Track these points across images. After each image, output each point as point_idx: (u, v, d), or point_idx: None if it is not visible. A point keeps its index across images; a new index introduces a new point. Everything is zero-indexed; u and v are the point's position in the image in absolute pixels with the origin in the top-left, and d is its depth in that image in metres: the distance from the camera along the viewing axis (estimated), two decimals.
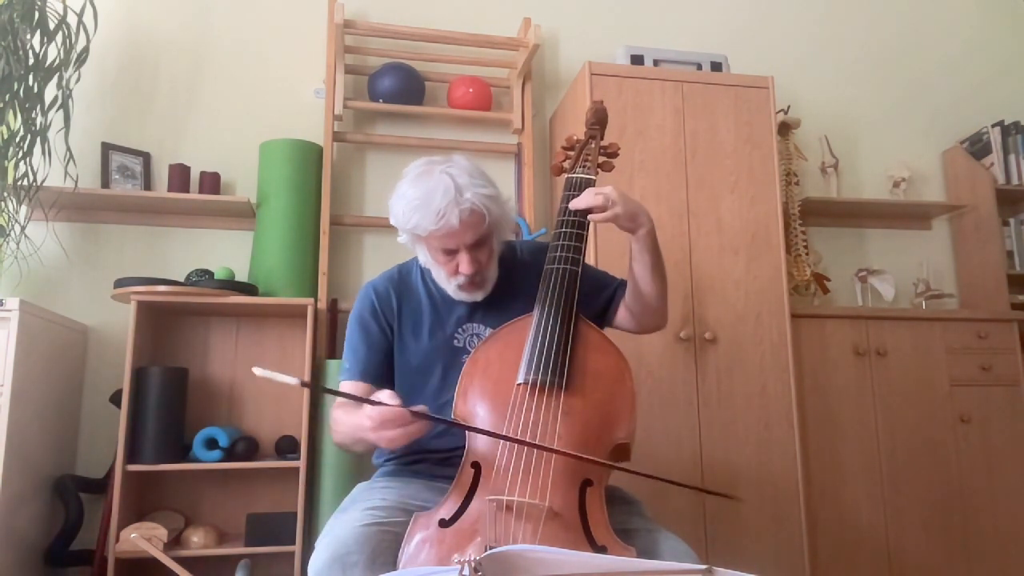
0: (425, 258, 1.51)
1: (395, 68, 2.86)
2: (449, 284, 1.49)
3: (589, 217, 1.44)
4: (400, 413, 1.17)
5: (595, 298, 1.62)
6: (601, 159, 1.61)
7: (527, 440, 1.22)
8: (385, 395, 1.20)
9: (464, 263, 1.44)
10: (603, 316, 1.64)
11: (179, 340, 2.60)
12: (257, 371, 1.03)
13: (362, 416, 1.22)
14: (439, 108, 2.96)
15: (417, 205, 1.39)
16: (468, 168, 1.43)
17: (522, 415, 1.27)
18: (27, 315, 2.15)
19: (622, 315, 1.63)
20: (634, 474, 1.19)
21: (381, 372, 1.52)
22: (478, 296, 1.51)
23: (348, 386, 1.51)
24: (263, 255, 2.61)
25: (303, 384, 1.05)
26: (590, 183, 1.52)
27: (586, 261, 1.49)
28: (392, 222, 1.47)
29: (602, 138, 1.65)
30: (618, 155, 1.65)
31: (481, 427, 1.31)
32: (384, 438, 1.19)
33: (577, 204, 1.43)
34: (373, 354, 1.53)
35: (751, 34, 3.37)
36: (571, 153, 1.62)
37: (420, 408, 1.20)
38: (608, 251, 2.43)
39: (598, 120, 1.67)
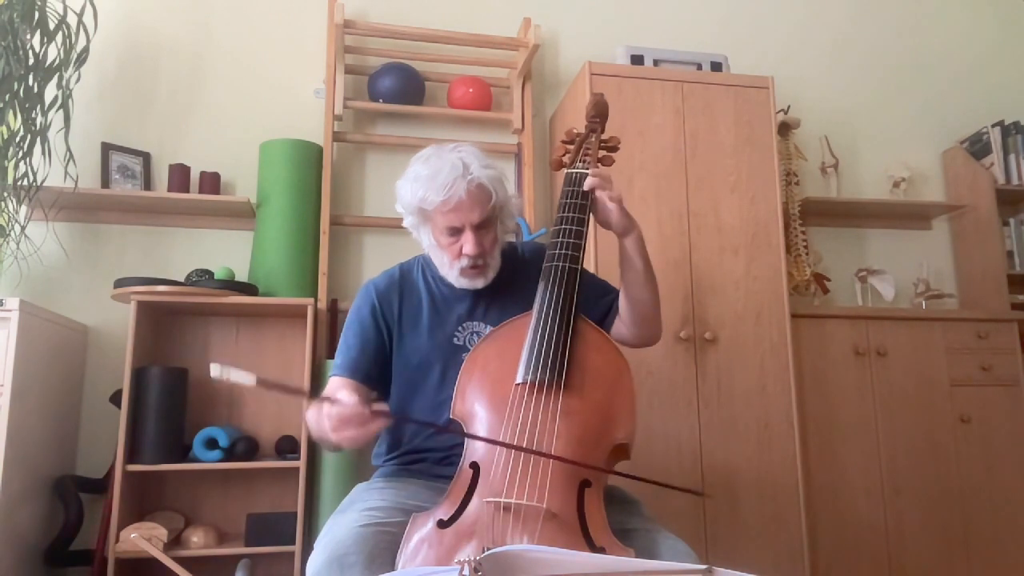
0: (429, 242, 1.51)
1: (395, 68, 2.86)
2: (452, 270, 1.49)
3: (594, 188, 1.45)
4: (359, 412, 1.17)
5: (595, 305, 1.60)
6: (601, 153, 1.59)
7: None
8: (344, 394, 1.20)
9: (468, 243, 1.44)
10: (601, 325, 1.60)
11: (179, 340, 2.60)
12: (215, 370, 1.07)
13: (323, 416, 1.21)
14: (439, 108, 2.96)
15: (426, 178, 1.42)
16: (476, 152, 1.47)
17: (521, 414, 1.27)
18: (27, 315, 2.15)
19: (617, 327, 1.60)
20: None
21: (372, 372, 1.52)
22: (479, 283, 1.50)
23: (336, 382, 1.50)
24: (263, 255, 2.61)
25: (258, 382, 1.09)
26: None
27: (585, 266, 1.47)
28: (398, 207, 1.51)
29: (603, 131, 1.64)
30: (619, 149, 1.63)
31: (480, 427, 1.30)
32: (345, 438, 1.19)
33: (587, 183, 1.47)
34: (366, 353, 1.52)
35: (751, 34, 3.37)
36: (571, 147, 1.61)
37: (380, 406, 1.20)
38: (608, 254, 2.42)
39: (598, 113, 1.66)
